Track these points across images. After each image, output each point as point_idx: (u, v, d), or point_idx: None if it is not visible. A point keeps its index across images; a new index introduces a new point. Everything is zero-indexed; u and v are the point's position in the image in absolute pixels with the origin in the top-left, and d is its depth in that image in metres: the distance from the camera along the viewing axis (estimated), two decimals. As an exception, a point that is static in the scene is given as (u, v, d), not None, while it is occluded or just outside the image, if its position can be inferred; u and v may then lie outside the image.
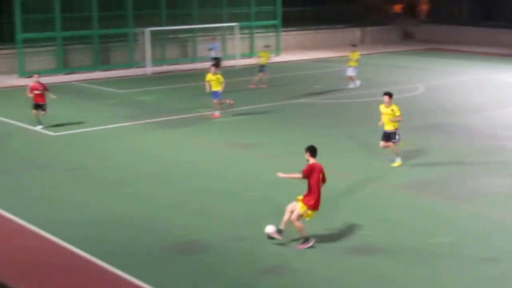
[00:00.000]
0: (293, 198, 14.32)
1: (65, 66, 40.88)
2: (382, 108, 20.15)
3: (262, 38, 49.78)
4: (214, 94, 26.99)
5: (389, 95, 20.10)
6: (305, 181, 14.06)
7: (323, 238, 14.62)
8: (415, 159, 21.03)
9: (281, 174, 14.57)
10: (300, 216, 14.11)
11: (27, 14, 38.60)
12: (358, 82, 34.50)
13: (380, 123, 20.19)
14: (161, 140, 23.79)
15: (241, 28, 47.08)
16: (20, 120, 26.50)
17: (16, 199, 17.43)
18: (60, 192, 17.97)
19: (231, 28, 46.35)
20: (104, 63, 42.67)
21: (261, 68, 35.65)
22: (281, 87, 34.80)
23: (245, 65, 44.81)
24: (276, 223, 14.43)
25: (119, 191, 18.02)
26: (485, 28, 56.79)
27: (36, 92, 25.01)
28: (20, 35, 38.44)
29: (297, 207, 14.09)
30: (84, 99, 32.20)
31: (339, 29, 58.53)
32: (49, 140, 23.79)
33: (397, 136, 19.86)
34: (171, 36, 45.76)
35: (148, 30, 41.12)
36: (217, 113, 27.27)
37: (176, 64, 44.35)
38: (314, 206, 14.12)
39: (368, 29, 59.93)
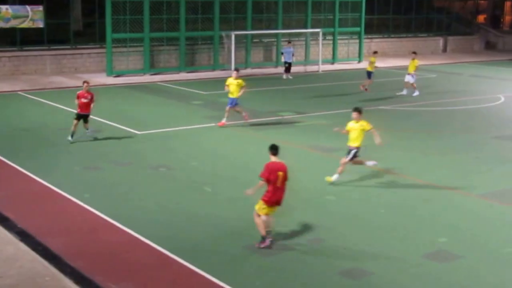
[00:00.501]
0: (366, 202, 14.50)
1: (151, 67, 41.88)
2: (351, 124, 19.07)
3: (345, 45, 50.06)
4: (231, 100, 25.93)
5: (358, 111, 18.99)
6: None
7: (399, 244, 14.78)
8: (495, 169, 20.98)
9: (248, 191, 14.62)
10: (257, 212, 14.36)
11: (117, 15, 39.70)
12: (416, 92, 34.62)
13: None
14: (243, 142, 24.19)
15: (324, 34, 47.38)
16: (107, 118, 27.29)
17: (102, 195, 17.94)
18: (143, 190, 18.41)
19: (315, 34, 46.70)
20: (189, 64, 43.52)
21: (369, 73, 36.16)
22: (360, 94, 34.97)
23: (327, 70, 45.15)
24: (353, 223, 14.61)
25: (200, 191, 18.37)
26: None
27: (83, 100, 23.32)
28: (110, 35, 39.56)
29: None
30: (169, 99, 32.98)
31: (421, 37, 58.26)
32: (134, 138, 24.42)
33: (351, 154, 18.86)
34: (255, 40, 46.37)
35: (233, 33, 41.81)
36: (224, 120, 26.05)
37: (259, 67, 44.93)
38: (268, 202, 14.23)
39: (451, 38, 59.42)
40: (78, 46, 42.60)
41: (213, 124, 26.68)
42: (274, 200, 14.32)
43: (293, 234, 15.29)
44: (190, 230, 15.56)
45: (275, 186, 14.23)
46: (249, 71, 44.06)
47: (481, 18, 67.40)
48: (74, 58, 41.88)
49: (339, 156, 22.19)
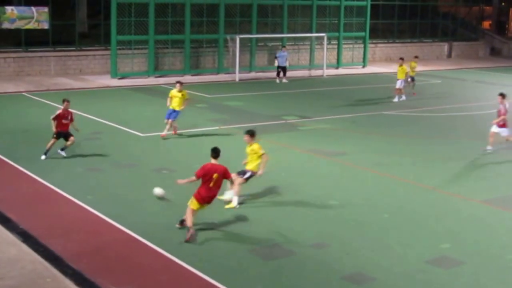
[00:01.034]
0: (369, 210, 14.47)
1: (156, 69, 41.91)
2: (247, 148, 17.92)
3: (349, 49, 50.08)
4: (174, 112, 24.64)
5: (249, 134, 17.72)
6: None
7: (401, 249, 14.75)
8: (499, 175, 20.96)
9: (179, 181, 15.50)
10: (189, 206, 15.13)
11: (123, 17, 39.74)
12: (403, 97, 34.56)
13: (243, 162, 18.20)
14: (246, 145, 24.17)
15: (329, 38, 47.39)
16: (111, 120, 27.28)
17: (104, 196, 17.95)
18: (145, 192, 18.19)
19: (320, 38, 46.71)
20: (193, 67, 43.54)
21: (411, 77, 36.32)
22: (365, 98, 34.96)
23: (332, 75, 45.15)
24: (356, 228, 14.57)
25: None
26: None
27: (64, 121, 21.49)
28: (115, 37, 39.60)
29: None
30: (173, 102, 32.94)
31: (426, 43, 58.26)
32: (138, 140, 24.43)
33: (247, 175, 17.57)
34: (260, 43, 46.39)
35: (238, 36, 41.83)
36: (165, 131, 24.73)
37: (263, 71, 44.94)
38: (200, 199, 15.04)
39: (456, 44, 59.41)
40: (83, 48, 42.67)
41: (217, 127, 26.70)
42: (205, 198, 15.11)
43: (295, 239, 15.25)
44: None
45: (208, 186, 15.03)
46: (253, 74, 44.12)
47: (486, 24, 67.42)
48: (79, 59, 41.93)
49: (343, 160, 22.23)
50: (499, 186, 19.96)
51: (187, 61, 42.75)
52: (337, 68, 48.72)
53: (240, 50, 42.20)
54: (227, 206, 17.09)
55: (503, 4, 68.85)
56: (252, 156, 17.69)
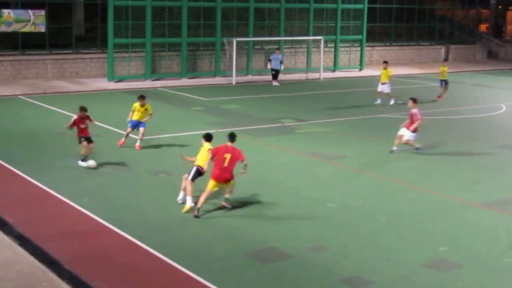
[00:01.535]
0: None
1: (153, 72, 41.88)
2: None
3: (346, 52, 50.10)
4: (140, 123, 23.70)
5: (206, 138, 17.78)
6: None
7: (399, 252, 14.74)
8: (497, 178, 20.94)
9: (184, 156, 17.65)
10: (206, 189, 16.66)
11: (119, 20, 39.69)
12: (393, 100, 34.45)
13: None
14: (243, 148, 24.10)
15: (326, 41, 47.39)
16: (107, 123, 27.20)
17: (101, 199, 17.90)
18: (142, 195, 18.39)
19: (317, 41, 46.71)
20: (190, 70, 43.51)
21: (443, 82, 36.48)
22: (362, 102, 34.95)
23: (328, 78, 45.16)
24: (353, 231, 14.55)
25: (199, 197, 18.26)
26: None
27: (82, 126, 21.22)
28: (112, 40, 39.56)
29: None
30: (170, 105, 32.94)
31: (423, 46, 58.30)
32: (134, 143, 24.36)
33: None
34: (257, 46, 46.38)
35: (235, 39, 41.82)
36: (123, 139, 23.87)
37: (260, 74, 44.91)
38: (213, 175, 16.66)
39: (453, 47, 59.46)
40: (80, 51, 42.59)
41: (214, 131, 26.62)
42: (218, 177, 16.63)
43: (293, 242, 15.23)
44: (189, 236, 15.52)
45: (221, 166, 16.58)
46: (250, 77, 44.09)
47: (483, 27, 67.48)
48: (75, 62, 41.87)
49: (340, 163, 22.22)
50: (497, 189, 19.95)
51: (184, 64, 42.71)
52: (334, 71, 48.71)
53: (237, 53, 42.17)
54: (183, 211, 16.90)
55: (500, 7, 68.90)
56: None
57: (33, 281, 12.71)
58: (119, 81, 40.37)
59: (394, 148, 23.69)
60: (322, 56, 46.04)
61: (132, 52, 41.68)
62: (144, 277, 13.23)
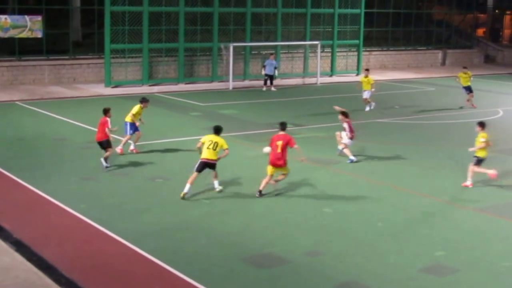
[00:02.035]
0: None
1: (150, 78, 41.89)
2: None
3: (343, 57, 50.12)
4: (132, 126, 23.84)
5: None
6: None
7: (396, 257, 14.75)
8: (494, 183, 20.94)
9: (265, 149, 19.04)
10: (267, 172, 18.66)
11: (116, 26, 39.72)
12: (373, 104, 34.31)
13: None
14: (240, 153, 24.16)
15: (323, 46, 47.43)
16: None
17: (98, 205, 17.91)
18: (139, 200, 18.42)
19: (314, 46, 46.75)
20: (187, 76, 43.51)
21: (467, 88, 35.93)
22: (359, 106, 34.97)
23: (325, 83, 45.19)
24: (350, 236, 14.53)
25: (196, 203, 18.29)
26: None
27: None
28: (108, 46, 39.57)
29: None
30: (167, 110, 32.95)
31: (420, 50, 58.36)
32: (129, 147, 24.36)
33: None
34: (254, 52, 46.40)
35: (232, 45, 41.84)
36: (121, 147, 23.68)
37: (257, 79, 44.91)
38: (270, 161, 18.76)
39: (450, 51, 59.52)
40: (77, 57, 42.63)
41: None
42: (273, 162, 18.65)
43: (289, 247, 15.23)
44: (186, 241, 15.51)
45: (275, 152, 18.57)
46: (247, 83, 44.12)
47: (480, 31, 67.55)
48: (72, 68, 41.89)
49: (337, 168, 22.23)
50: (493, 194, 19.97)
51: (181, 70, 42.73)
52: (331, 76, 48.77)
53: (234, 58, 42.20)
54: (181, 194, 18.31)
55: (497, 11, 69.00)
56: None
57: (29, 286, 12.70)
58: (116, 86, 40.38)
59: (339, 147, 23.53)
60: (319, 61, 46.09)
61: (129, 57, 41.70)
62: (141, 283, 13.22)
